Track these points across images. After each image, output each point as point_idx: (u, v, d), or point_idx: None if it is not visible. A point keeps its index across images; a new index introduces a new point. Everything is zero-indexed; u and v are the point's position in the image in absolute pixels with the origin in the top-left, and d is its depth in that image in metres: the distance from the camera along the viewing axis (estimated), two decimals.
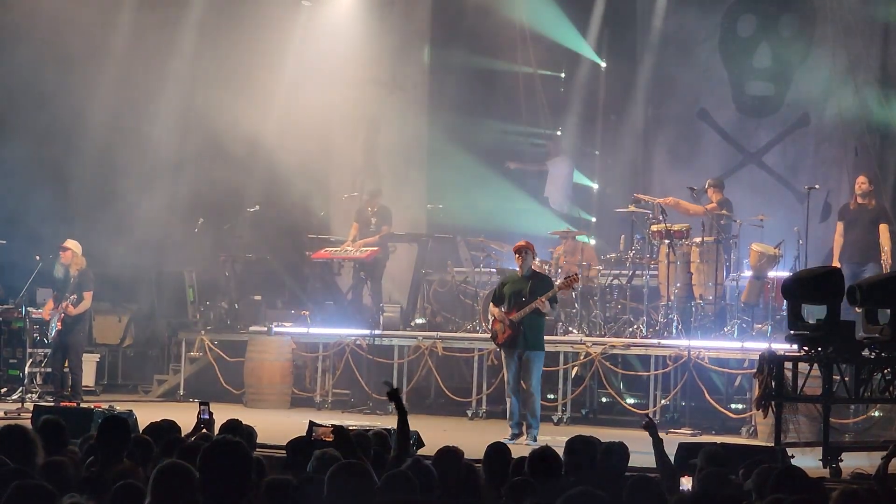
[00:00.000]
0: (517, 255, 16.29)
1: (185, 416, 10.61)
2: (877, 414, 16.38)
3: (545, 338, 16.45)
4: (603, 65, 23.80)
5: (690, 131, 22.34)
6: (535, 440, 15.46)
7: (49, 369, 19.46)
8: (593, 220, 23.40)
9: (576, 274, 17.33)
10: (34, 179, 21.08)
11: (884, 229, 18.47)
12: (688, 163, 21.57)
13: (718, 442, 12.25)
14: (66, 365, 18.93)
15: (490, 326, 16.67)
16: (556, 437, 14.62)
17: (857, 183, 18.80)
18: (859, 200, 18.65)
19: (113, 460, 8.42)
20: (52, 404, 17.21)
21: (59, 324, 18.60)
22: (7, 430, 8.23)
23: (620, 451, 9.03)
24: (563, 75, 24.39)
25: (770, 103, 21.96)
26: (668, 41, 22.48)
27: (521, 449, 10.31)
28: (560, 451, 8.80)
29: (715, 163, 21.71)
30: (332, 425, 9.12)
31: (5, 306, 20.19)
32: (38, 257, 19.45)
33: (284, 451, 10.71)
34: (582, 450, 8.76)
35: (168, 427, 10.18)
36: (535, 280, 16.16)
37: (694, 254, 18.85)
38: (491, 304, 16.60)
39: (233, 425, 10.02)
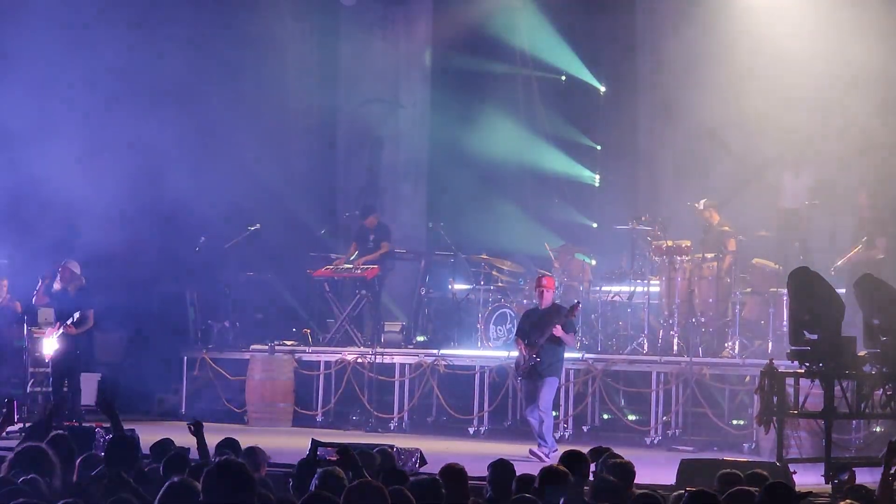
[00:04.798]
0: (537, 291, 16.71)
1: (187, 436, 10.59)
2: (878, 429, 16.38)
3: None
4: (602, 89, 23.77)
5: (697, 150, 22.27)
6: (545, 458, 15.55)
7: (50, 389, 19.42)
8: (594, 224, 23.33)
9: (578, 303, 17.36)
10: (36, 198, 21.10)
11: (881, 245, 18.54)
12: (696, 182, 21.53)
13: (723, 459, 12.23)
14: (65, 385, 18.86)
15: (516, 360, 16.98)
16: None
17: (859, 198, 19.01)
18: (860, 215, 18.83)
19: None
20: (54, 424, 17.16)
21: (57, 342, 18.55)
22: (27, 451, 8.24)
23: (627, 468, 9.05)
24: (563, 89, 24.35)
25: None
26: (671, 59, 22.46)
27: (528, 465, 10.34)
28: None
29: (723, 182, 21.67)
30: (338, 445, 9.13)
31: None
32: (40, 277, 19.37)
33: (289, 470, 10.69)
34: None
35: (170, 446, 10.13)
36: (553, 313, 16.42)
37: (695, 270, 18.89)
38: (517, 337, 16.90)
39: (230, 444, 9.99)
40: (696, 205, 19.54)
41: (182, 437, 10.80)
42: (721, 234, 19.13)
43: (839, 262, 18.48)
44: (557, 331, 16.10)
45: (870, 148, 20.31)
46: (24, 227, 21.09)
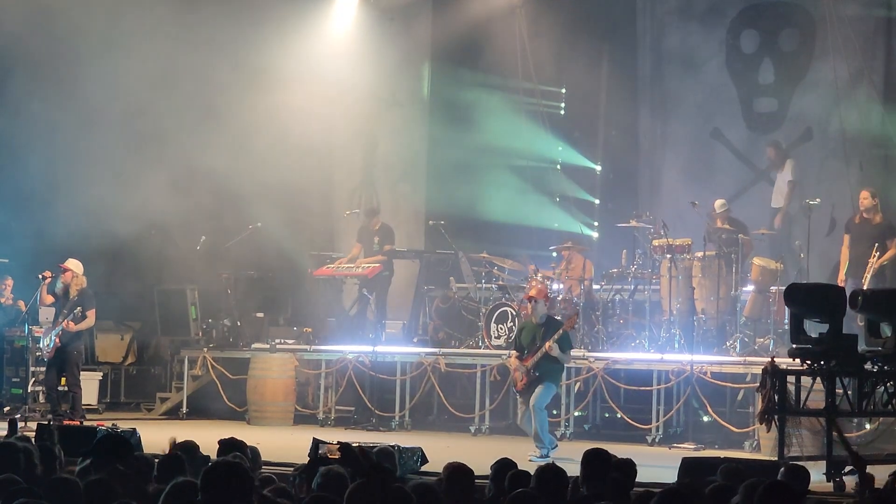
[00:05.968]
0: (528, 304, 16.53)
1: (188, 434, 10.57)
2: (881, 427, 16.35)
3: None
4: (603, 79, 23.80)
5: (703, 150, 22.28)
6: (541, 458, 15.43)
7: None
8: (595, 234, 23.41)
9: (575, 314, 17.37)
10: (37, 198, 21.13)
11: (893, 246, 18.52)
12: (703, 181, 21.55)
13: (728, 457, 12.20)
14: (63, 383, 18.85)
15: (511, 375, 16.84)
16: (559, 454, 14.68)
17: (860, 198, 18.88)
18: (864, 215, 18.73)
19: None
20: (55, 423, 17.16)
21: (57, 340, 18.56)
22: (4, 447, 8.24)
23: (628, 467, 9.04)
24: (563, 90, 24.39)
25: (774, 119, 21.93)
26: (672, 57, 22.47)
27: (531, 464, 10.32)
28: (565, 467, 8.79)
29: (729, 181, 21.69)
30: (339, 443, 9.11)
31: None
32: (40, 276, 19.33)
33: (290, 469, 10.68)
34: (596, 462, 8.76)
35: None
36: (547, 326, 16.27)
37: (696, 268, 18.89)
38: (512, 353, 16.79)
39: (233, 443, 9.94)
40: (698, 203, 19.53)
41: (183, 436, 10.76)
42: (731, 232, 19.08)
43: (866, 280, 18.27)
44: (551, 350, 15.96)
45: (866, 145, 20.37)
46: (26, 226, 21.13)
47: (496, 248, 21.46)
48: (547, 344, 15.99)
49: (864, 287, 17.40)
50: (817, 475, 12.90)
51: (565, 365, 16.68)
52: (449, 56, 24.19)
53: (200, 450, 9.56)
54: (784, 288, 15.05)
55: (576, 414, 18.92)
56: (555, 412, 18.52)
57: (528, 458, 15.20)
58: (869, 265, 18.34)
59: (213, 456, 9.21)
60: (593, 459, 8.73)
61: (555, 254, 20.59)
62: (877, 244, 18.41)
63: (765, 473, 9.69)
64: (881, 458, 13.77)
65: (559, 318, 17.13)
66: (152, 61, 21.48)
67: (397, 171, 24.29)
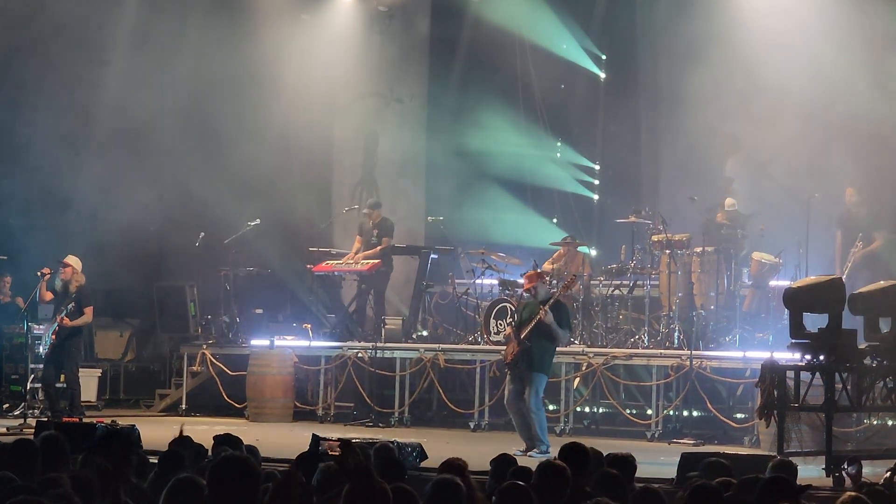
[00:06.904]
0: (529, 292, 16.24)
1: (187, 431, 10.55)
2: (878, 422, 16.37)
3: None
4: (602, 75, 23.79)
5: (703, 145, 22.22)
6: (541, 454, 15.38)
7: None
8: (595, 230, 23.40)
9: (573, 276, 17.31)
10: (36, 195, 21.13)
11: (879, 237, 18.61)
12: (702, 177, 21.52)
13: (721, 452, 12.22)
14: (62, 380, 18.84)
15: (505, 349, 16.73)
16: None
17: (846, 194, 19.03)
18: (851, 210, 18.88)
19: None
20: (54, 420, 17.16)
21: (53, 336, 18.55)
22: (14, 445, 8.24)
23: (627, 462, 9.04)
24: (562, 87, 24.37)
25: (775, 115, 21.86)
26: (672, 52, 22.42)
27: (531, 461, 10.32)
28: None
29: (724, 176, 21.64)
30: (339, 439, 9.11)
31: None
32: (39, 273, 19.31)
33: (288, 465, 10.65)
34: (574, 456, 8.77)
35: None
36: (547, 301, 16.15)
37: (695, 264, 18.92)
38: (510, 325, 16.74)
39: (228, 439, 9.92)
40: (696, 198, 19.52)
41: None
42: (730, 227, 19.09)
43: (847, 269, 18.42)
44: (545, 315, 15.79)
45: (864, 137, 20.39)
46: (25, 222, 21.14)
47: (495, 245, 21.47)
48: (542, 308, 15.87)
49: (843, 277, 17.54)
50: (816, 470, 12.95)
51: (559, 344, 16.25)
52: (448, 52, 24.18)
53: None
54: (783, 283, 15.08)
55: (577, 409, 18.93)
56: (553, 407, 18.54)
57: (528, 455, 15.20)
58: (851, 254, 18.48)
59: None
60: (571, 453, 8.74)
61: (554, 248, 20.58)
62: (861, 234, 18.55)
63: (755, 468, 9.70)
64: (880, 452, 13.78)
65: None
66: (151, 59, 21.49)
67: (397, 167, 24.30)
